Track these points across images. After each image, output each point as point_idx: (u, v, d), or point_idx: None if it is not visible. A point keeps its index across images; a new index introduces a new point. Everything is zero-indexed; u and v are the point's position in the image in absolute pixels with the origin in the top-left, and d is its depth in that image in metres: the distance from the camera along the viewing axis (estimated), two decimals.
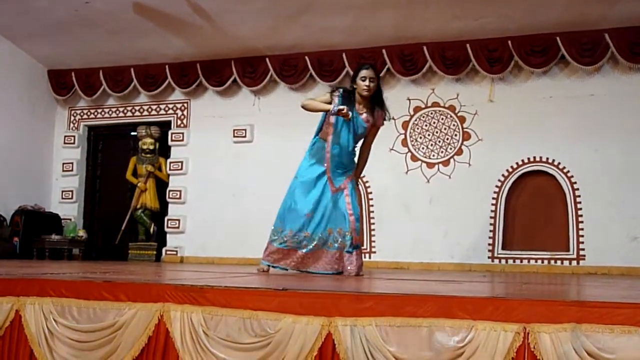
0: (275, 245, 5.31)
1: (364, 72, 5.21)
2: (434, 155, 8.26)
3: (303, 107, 5.35)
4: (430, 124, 8.32)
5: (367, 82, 5.17)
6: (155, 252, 9.13)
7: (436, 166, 8.23)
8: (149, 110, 9.69)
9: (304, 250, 5.25)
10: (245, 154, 8.99)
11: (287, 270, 5.33)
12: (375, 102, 5.29)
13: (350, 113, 5.07)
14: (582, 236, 7.57)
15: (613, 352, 2.31)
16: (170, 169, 9.41)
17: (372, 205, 8.32)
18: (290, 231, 5.26)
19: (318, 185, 5.28)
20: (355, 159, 5.45)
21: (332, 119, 5.23)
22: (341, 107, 5.05)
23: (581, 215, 7.59)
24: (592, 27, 7.48)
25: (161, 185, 9.46)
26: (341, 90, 5.31)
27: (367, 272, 5.59)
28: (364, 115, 5.27)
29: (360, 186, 8.32)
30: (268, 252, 5.35)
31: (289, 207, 5.32)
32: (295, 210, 5.27)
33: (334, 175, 5.30)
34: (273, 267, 5.36)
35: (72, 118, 10.07)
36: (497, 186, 7.94)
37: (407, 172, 8.32)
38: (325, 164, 5.30)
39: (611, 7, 7.19)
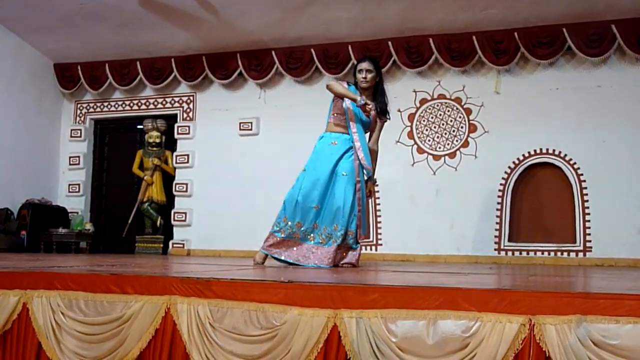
0: (279, 236, 5.20)
1: (360, 65, 5.31)
2: (440, 148, 8.24)
3: (328, 87, 5.33)
4: (436, 116, 8.30)
5: (363, 74, 5.25)
6: (162, 245, 9.16)
7: (442, 158, 8.22)
8: (155, 103, 9.70)
9: (311, 243, 5.16)
10: (251, 146, 9.00)
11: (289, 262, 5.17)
12: (376, 96, 5.33)
13: (373, 111, 5.15)
14: (589, 228, 7.56)
15: (618, 344, 2.31)
16: (176, 162, 9.43)
17: (378, 198, 8.31)
18: (299, 223, 5.16)
19: (327, 178, 5.21)
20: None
21: (344, 106, 5.22)
22: (369, 103, 5.09)
23: (588, 207, 7.58)
24: (599, 18, 7.45)
25: (167, 179, 9.48)
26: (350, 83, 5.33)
27: (373, 264, 5.58)
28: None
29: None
30: (270, 243, 5.22)
31: (296, 199, 5.19)
32: (304, 202, 5.18)
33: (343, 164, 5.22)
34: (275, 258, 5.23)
35: (79, 111, 10.09)
36: (503, 178, 7.92)
37: (413, 165, 8.31)
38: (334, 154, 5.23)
39: None
